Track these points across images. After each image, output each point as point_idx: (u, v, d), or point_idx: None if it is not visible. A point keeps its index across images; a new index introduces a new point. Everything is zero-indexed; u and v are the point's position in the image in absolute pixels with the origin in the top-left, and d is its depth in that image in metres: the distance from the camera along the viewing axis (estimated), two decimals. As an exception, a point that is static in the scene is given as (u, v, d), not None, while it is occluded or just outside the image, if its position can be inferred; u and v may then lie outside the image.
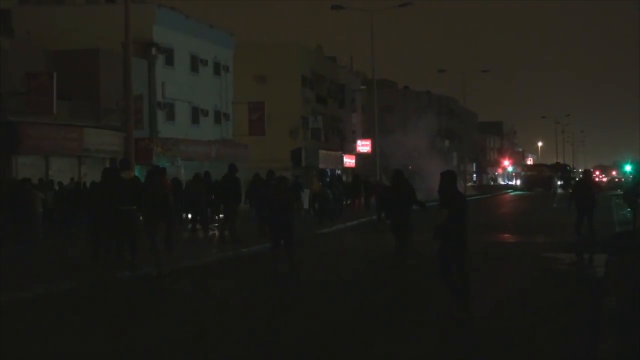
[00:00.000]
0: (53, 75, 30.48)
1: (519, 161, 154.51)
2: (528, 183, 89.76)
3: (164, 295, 15.17)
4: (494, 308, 12.97)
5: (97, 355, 10.07)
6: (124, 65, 25.31)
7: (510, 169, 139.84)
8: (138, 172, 25.85)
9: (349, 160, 67.99)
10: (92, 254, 18.71)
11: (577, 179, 42.32)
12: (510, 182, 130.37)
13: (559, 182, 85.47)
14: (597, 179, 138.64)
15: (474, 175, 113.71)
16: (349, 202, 41.40)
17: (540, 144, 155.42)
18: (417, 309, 13.05)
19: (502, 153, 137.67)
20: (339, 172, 62.52)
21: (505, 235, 27.68)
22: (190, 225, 28.28)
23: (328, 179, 40.09)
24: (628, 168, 54.51)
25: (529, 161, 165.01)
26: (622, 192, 39.53)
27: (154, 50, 38.23)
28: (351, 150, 69.80)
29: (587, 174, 26.98)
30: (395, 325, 11.61)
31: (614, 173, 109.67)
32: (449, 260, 11.72)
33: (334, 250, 23.03)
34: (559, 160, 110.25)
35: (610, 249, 20.45)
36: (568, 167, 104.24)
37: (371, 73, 56.27)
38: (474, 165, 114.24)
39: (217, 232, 25.65)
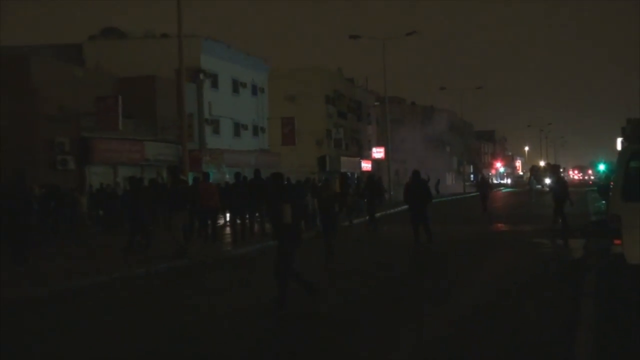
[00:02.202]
0: (118, 98, 30.76)
1: (509, 163, 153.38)
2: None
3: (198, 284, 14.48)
4: (488, 282, 12.96)
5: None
6: (178, 88, 25.51)
7: (501, 169, 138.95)
8: (191, 177, 25.98)
9: (366, 165, 67.98)
10: (126, 245, 17.61)
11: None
12: (502, 181, 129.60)
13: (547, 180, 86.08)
14: (576, 177, 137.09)
15: (472, 176, 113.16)
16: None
17: (527, 148, 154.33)
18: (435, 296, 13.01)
19: (494, 156, 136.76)
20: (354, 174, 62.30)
21: (499, 224, 27.54)
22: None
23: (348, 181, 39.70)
24: (602, 167, 54.05)
25: (517, 163, 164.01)
26: (596, 188, 39.84)
27: (201, 76, 38.35)
28: (367, 156, 69.72)
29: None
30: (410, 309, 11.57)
31: (589, 172, 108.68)
32: (289, 256, 10.38)
33: (368, 241, 22.17)
34: (549, 162, 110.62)
35: (587, 234, 20.35)
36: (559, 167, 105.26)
37: (383, 91, 56.13)
38: (471, 167, 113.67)
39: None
